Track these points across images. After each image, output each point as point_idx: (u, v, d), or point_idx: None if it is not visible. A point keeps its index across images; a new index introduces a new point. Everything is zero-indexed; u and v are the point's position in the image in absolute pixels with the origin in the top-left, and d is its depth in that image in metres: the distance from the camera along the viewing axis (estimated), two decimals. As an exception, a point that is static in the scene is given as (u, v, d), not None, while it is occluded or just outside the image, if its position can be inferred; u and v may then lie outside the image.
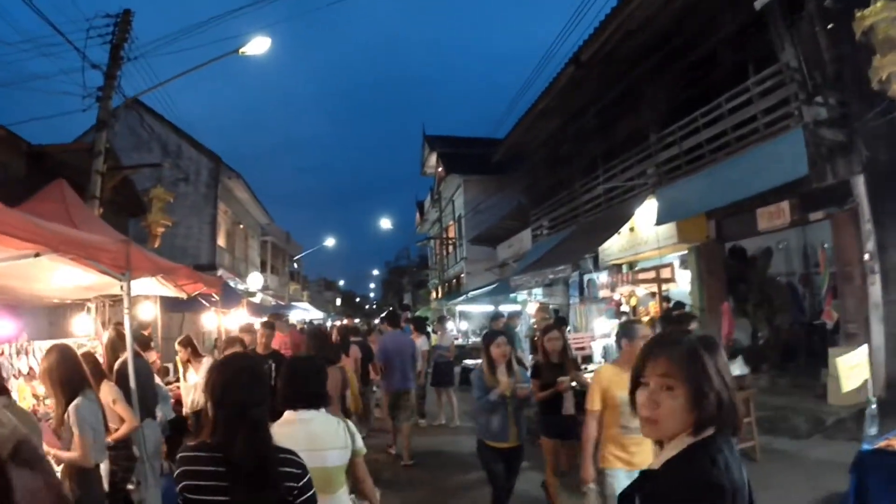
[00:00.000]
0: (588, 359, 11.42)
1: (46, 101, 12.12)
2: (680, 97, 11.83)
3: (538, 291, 18.64)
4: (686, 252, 12.43)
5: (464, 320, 24.86)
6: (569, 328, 13.66)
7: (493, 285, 20.56)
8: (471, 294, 21.88)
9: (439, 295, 35.15)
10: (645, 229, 12.77)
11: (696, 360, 1.58)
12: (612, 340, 11.81)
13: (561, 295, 19.16)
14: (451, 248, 34.29)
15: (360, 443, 3.23)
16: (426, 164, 38.53)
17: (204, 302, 9.28)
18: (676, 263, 12.51)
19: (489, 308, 21.73)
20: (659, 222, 11.49)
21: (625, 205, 13.30)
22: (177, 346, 8.00)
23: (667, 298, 12.11)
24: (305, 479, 2.36)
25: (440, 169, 33.93)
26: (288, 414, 3.09)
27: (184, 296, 7.21)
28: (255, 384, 2.38)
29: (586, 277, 17.22)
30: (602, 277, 14.79)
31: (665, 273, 12.00)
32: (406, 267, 63.40)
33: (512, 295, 18.07)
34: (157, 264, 5.16)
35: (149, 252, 5.65)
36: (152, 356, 7.50)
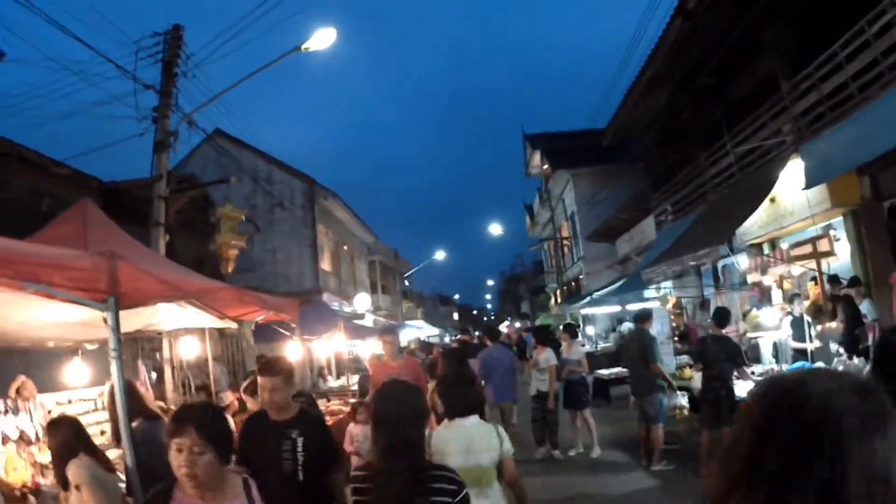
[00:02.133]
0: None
1: (104, 132, 11.71)
2: (811, 31, 10.13)
3: (667, 285, 16.94)
4: (840, 218, 10.65)
5: (588, 324, 23.31)
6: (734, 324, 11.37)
7: (620, 283, 18.89)
8: (595, 295, 20.28)
9: (559, 300, 33.64)
10: (787, 197, 11.02)
11: None
12: (784, 335, 10.15)
13: (693, 286, 17.40)
14: (566, 248, 32.72)
15: (508, 444, 3.60)
16: (530, 165, 37.20)
17: (281, 330, 8.42)
18: (834, 233, 10.67)
19: (615, 308, 20.11)
20: (809, 185, 9.69)
21: (763, 171, 11.57)
22: (229, 397, 7.03)
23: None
24: (462, 495, 2.56)
25: (545, 167, 32.51)
26: (446, 422, 3.61)
27: (234, 325, 6.27)
28: (407, 409, 2.65)
29: (720, 263, 15.46)
30: (742, 261, 12.99)
31: (823, 245, 10.15)
32: (521, 274, 62.16)
33: (644, 292, 16.43)
34: (174, 285, 4.06)
35: (173, 268, 4.70)
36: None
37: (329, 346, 13.36)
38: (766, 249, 12.75)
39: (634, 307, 19.79)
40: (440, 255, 41.36)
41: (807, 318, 9.46)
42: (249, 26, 11.08)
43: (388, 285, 37.41)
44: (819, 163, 9.75)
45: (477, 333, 20.33)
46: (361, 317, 22.78)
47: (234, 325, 6.59)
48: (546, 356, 9.61)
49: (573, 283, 31.69)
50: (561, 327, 19.02)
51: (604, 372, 14.20)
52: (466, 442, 3.44)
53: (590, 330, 23.00)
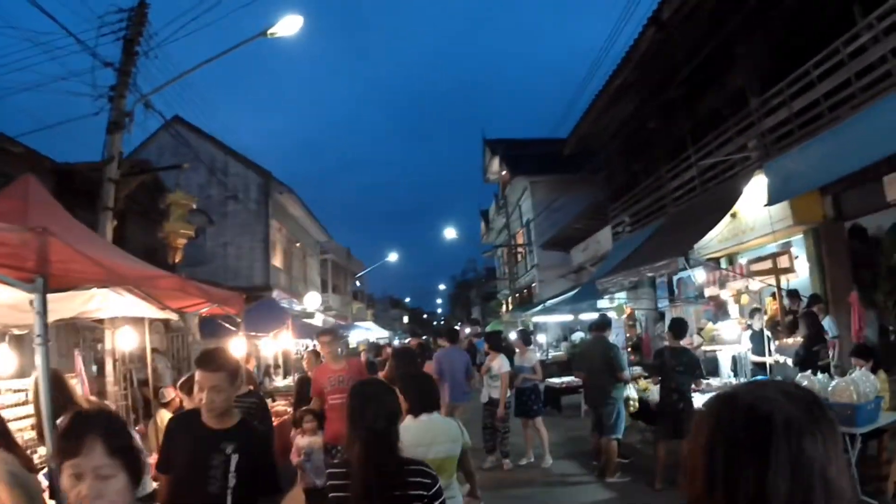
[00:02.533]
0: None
1: (61, 109, 11.13)
2: (784, 48, 10.16)
3: (621, 296, 16.86)
4: (800, 236, 10.66)
5: (539, 332, 23.19)
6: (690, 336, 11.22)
7: (574, 291, 18.77)
8: (549, 303, 20.14)
9: (510, 307, 33.52)
10: (749, 213, 11.00)
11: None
12: (744, 349, 10.10)
13: (648, 297, 17.36)
14: (520, 255, 32.65)
15: (467, 436, 3.79)
16: (488, 171, 37.01)
17: (226, 325, 8.02)
18: (794, 250, 10.65)
19: (567, 317, 20.00)
20: (772, 202, 9.67)
21: (725, 186, 11.53)
22: (170, 393, 6.52)
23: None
24: (436, 488, 2.67)
25: (504, 173, 32.41)
26: (411, 418, 3.56)
27: (174, 316, 5.87)
28: (383, 406, 2.75)
29: (676, 276, 15.43)
30: (698, 275, 12.94)
31: (783, 262, 10.10)
32: (473, 280, 62.12)
33: (597, 302, 16.29)
34: (110, 269, 3.61)
35: (112, 252, 4.32)
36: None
37: (277, 344, 12.91)
38: (724, 264, 12.72)
39: (587, 317, 19.77)
40: (393, 256, 41.04)
41: (766, 332, 9.40)
42: (215, 6, 10.66)
43: (339, 285, 36.83)
44: (783, 180, 9.71)
45: (424, 337, 20.09)
46: (311, 316, 22.28)
47: (174, 317, 6.15)
48: (499, 363, 9.31)
49: (525, 291, 31.59)
50: (514, 334, 18.94)
51: (555, 380, 14.03)
52: (432, 436, 3.52)
53: (541, 338, 22.89)
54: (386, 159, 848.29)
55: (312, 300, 22.47)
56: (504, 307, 37.87)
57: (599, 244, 20.74)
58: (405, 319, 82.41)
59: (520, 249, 32.35)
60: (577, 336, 21.74)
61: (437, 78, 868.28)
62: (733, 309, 12.16)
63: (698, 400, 7.43)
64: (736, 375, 10.37)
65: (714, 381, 9.38)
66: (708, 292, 12.19)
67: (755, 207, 10.54)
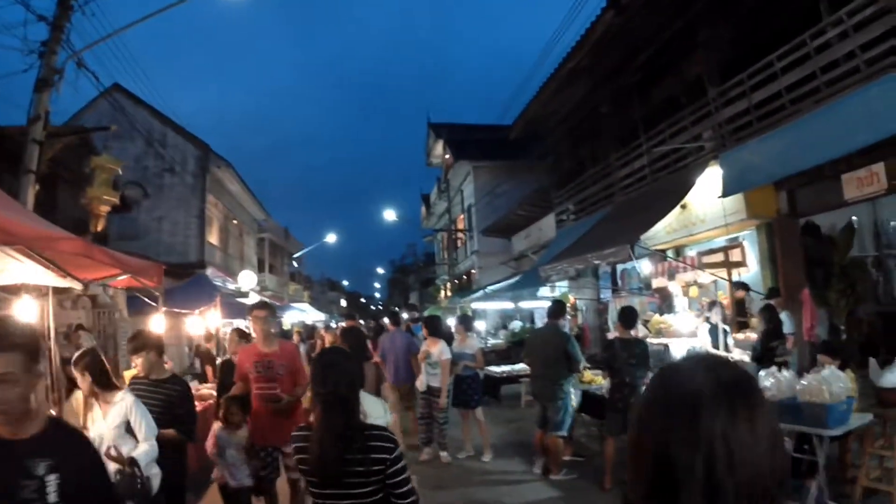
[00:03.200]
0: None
1: None
2: (747, 39, 9.89)
3: (563, 285, 16.55)
4: (751, 230, 10.47)
5: (478, 319, 22.81)
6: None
7: (516, 278, 18.35)
8: (489, 289, 19.70)
9: (449, 292, 33.12)
10: (700, 205, 10.75)
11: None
12: (700, 342, 9.57)
13: (589, 287, 17.10)
14: (460, 241, 32.19)
15: (389, 416, 4.37)
16: (431, 154, 36.59)
17: (146, 300, 7.34)
18: (747, 244, 10.42)
19: (508, 305, 19.61)
20: (726, 193, 9.42)
21: (678, 175, 11.25)
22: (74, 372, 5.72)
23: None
24: (397, 452, 2.66)
25: (447, 156, 31.97)
26: None
27: (77, 285, 5.18)
28: (343, 373, 2.75)
29: (620, 267, 15.20)
30: (644, 266, 12.67)
31: (734, 255, 9.87)
32: (412, 265, 61.63)
33: (539, 290, 15.92)
34: None
35: (10, 209, 3.64)
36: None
37: (208, 323, 12.14)
38: (671, 255, 12.49)
39: (527, 305, 19.50)
40: (331, 238, 39.97)
41: (722, 326, 9.09)
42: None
43: (276, 265, 35.87)
44: (738, 172, 9.49)
45: (362, 322, 19.54)
46: (245, 295, 21.43)
47: (78, 286, 5.44)
48: (440, 349, 8.67)
49: (465, 277, 31.19)
50: (454, 320, 18.47)
51: (495, 369, 13.63)
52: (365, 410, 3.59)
53: (480, 325, 22.52)
54: (329, 139, 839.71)
55: (247, 279, 21.62)
56: (442, 293, 37.49)
57: (542, 232, 20.43)
58: (343, 302, 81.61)
59: (460, 235, 31.86)
60: (517, 325, 21.44)
61: (386, 58, 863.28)
62: (681, 301, 11.91)
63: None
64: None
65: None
66: (655, 283, 11.94)
67: (706, 199, 10.31)
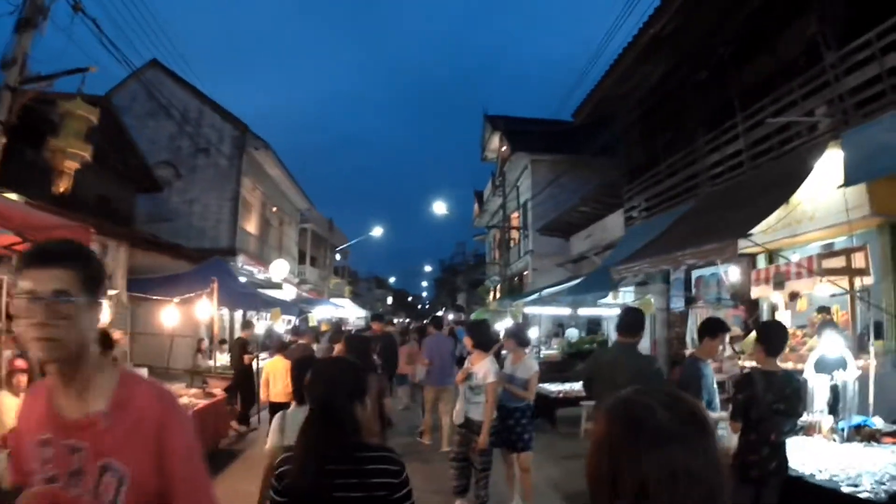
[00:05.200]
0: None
1: None
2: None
3: (629, 290, 14.62)
4: (868, 231, 8.40)
5: (531, 326, 20.97)
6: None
7: (578, 280, 16.29)
8: (547, 292, 17.77)
9: (499, 294, 31.33)
10: (809, 199, 8.75)
11: None
12: (852, 376, 6.42)
13: (659, 295, 15.08)
14: (513, 240, 30.38)
15: None
16: (487, 148, 35.00)
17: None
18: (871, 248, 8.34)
19: (564, 311, 17.65)
20: (850, 181, 7.42)
21: (785, 161, 9.30)
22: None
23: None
24: (403, 476, 2.42)
25: (504, 149, 30.25)
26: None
27: None
28: (337, 383, 2.52)
29: (696, 273, 13.20)
30: (732, 272, 10.69)
31: (858, 260, 7.83)
32: (461, 264, 60.11)
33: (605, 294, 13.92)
34: None
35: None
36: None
37: (198, 312, 10.54)
38: (762, 262, 10.51)
39: (587, 312, 17.56)
40: (377, 231, 38.60)
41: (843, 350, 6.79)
42: None
43: (318, 257, 34.64)
44: (866, 156, 7.52)
45: (398, 321, 18.23)
46: (278, 286, 19.98)
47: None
48: (486, 368, 6.45)
49: (517, 279, 29.36)
50: (502, 324, 16.66)
51: (550, 387, 11.79)
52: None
53: (532, 333, 20.71)
54: (381, 141, 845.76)
55: (279, 268, 20.09)
56: (492, 295, 35.84)
57: (605, 231, 18.52)
58: (389, 300, 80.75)
59: (514, 233, 30.06)
60: (573, 333, 19.57)
61: (441, 62, 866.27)
62: (783, 316, 9.77)
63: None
64: (836, 412, 6.48)
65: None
66: (756, 292, 9.78)
67: (818, 190, 8.33)
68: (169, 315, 10.67)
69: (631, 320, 5.70)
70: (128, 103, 20.74)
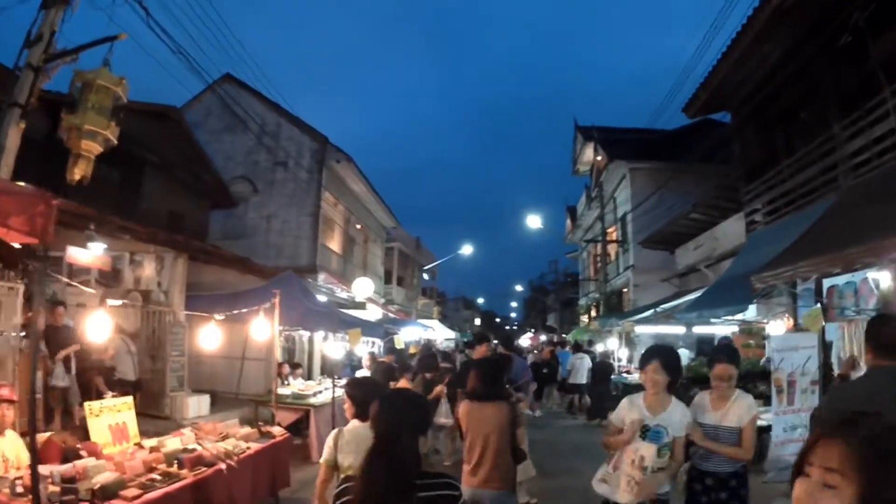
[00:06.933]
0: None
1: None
2: None
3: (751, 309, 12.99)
4: None
5: (637, 347, 19.43)
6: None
7: (698, 292, 14.58)
8: (664, 307, 16.20)
9: (597, 313, 29.77)
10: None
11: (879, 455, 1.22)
12: None
13: (784, 310, 13.41)
14: (611, 255, 28.88)
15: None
16: (579, 161, 33.74)
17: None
18: None
19: (677, 330, 16.06)
20: None
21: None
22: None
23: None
24: (462, 500, 2.51)
25: (599, 158, 28.92)
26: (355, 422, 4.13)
27: None
28: (399, 418, 2.58)
29: (827, 283, 11.56)
30: (883, 278, 9.16)
31: None
32: (551, 283, 58.61)
33: (719, 312, 12.37)
34: None
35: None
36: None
37: (254, 331, 9.24)
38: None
39: (702, 331, 16.05)
40: (467, 249, 37.59)
41: None
42: None
43: (405, 277, 33.90)
44: None
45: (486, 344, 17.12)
46: (361, 306, 19.11)
47: None
48: (678, 414, 4.36)
49: (616, 297, 27.83)
50: (604, 346, 15.31)
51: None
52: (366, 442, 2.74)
53: (624, 353, 19.17)
54: (464, 161, 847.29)
55: (363, 287, 19.22)
56: (588, 314, 34.30)
57: (717, 241, 16.90)
58: (477, 321, 79.71)
59: (611, 247, 28.56)
60: (682, 353, 17.94)
61: (521, 80, 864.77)
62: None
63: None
64: None
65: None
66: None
67: None
68: (233, 335, 9.83)
69: (892, 333, 3.57)
70: (202, 119, 20.73)
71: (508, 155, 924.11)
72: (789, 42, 10.85)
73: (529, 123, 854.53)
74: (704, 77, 13.04)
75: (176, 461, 5.62)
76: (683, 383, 14.71)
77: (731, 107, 14.10)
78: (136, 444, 6.10)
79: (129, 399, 6.62)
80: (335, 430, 4.25)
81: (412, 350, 17.36)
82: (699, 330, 15.91)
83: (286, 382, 11.80)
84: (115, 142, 7.01)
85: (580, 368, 16.75)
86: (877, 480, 1.19)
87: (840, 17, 9.64)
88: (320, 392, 11.33)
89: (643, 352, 4.70)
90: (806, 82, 11.36)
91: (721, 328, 14.60)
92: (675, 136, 24.65)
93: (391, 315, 23.51)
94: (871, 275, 9.53)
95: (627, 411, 4.43)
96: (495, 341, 12.22)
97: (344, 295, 19.20)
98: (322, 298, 15.26)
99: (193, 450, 6.00)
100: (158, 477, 5.23)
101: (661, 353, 4.49)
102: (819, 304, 10.13)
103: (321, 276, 18.79)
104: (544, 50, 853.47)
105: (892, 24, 9.26)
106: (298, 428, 10.38)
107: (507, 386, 6.26)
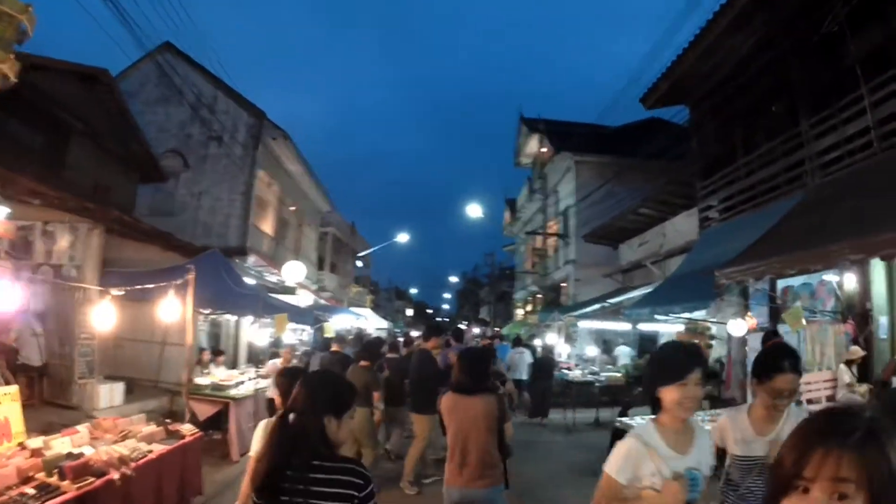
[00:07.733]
0: None
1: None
2: None
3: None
4: None
5: (576, 342, 19.21)
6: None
7: (650, 287, 14.44)
8: (612, 301, 15.95)
9: (535, 307, 29.63)
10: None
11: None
12: None
13: (732, 308, 13.26)
14: (551, 249, 28.70)
15: None
16: (522, 153, 33.71)
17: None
18: None
19: (620, 326, 15.90)
20: None
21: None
22: None
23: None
24: (368, 490, 2.44)
25: (544, 150, 28.71)
26: None
27: None
28: (311, 396, 2.56)
29: (782, 283, 11.43)
30: (847, 279, 9.08)
31: None
32: (486, 276, 58.53)
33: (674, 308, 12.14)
34: None
35: None
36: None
37: (161, 312, 8.28)
38: (879, 270, 8.85)
39: (646, 328, 15.89)
40: (402, 237, 36.97)
41: None
42: None
43: (338, 264, 33.08)
44: None
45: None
46: (291, 291, 18.28)
47: None
48: (706, 443, 2.87)
49: (554, 291, 27.65)
50: (541, 341, 15.04)
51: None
52: None
53: (591, 351, 18.84)
54: (404, 153, 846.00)
55: (293, 271, 18.42)
56: (523, 308, 34.21)
57: (665, 237, 16.75)
58: (409, 312, 79.52)
59: (551, 241, 28.40)
60: (624, 351, 17.76)
61: (468, 75, 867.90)
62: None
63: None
64: None
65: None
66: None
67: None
68: (153, 317, 8.88)
69: None
70: (137, 88, 19.68)
71: (455, 149, 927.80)
72: (762, 34, 10.57)
73: (480, 119, 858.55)
74: (667, 67, 12.75)
75: (57, 470, 4.78)
76: (634, 378, 14.56)
77: (692, 100, 13.84)
78: (18, 445, 5.30)
79: (13, 389, 5.77)
80: (264, 421, 4.15)
81: (348, 338, 16.71)
82: (644, 327, 15.76)
83: (206, 371, 11.02)
84: (14, 80, 5.85)
85: (520, 364, 16.30)
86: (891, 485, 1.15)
87: (819, 11, 9.42)
88: (242, 383, 10.62)
89: (666, 358, 2.90)
90: (775, 77, 11.12)
91: (667, 326, 14.37)
92: (623, 132, 24.66)
93: (322, 302, 22.78)
94: (828, 277, 9.45)
95: (642, 460, 2.63)
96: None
97: (274, 279, 18.33)
98: (251, 281, 14.47)
99: (80, 455, 5.17)
100: (32, 491, 4.43)
101: (699, 357, 2.81)
102: (798, 303, 9.97)
103: (251, 258, 17.91)
104: (501, 48, 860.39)
105: (872, 21, 9.08)
106: (217, 422, 9.68)
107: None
